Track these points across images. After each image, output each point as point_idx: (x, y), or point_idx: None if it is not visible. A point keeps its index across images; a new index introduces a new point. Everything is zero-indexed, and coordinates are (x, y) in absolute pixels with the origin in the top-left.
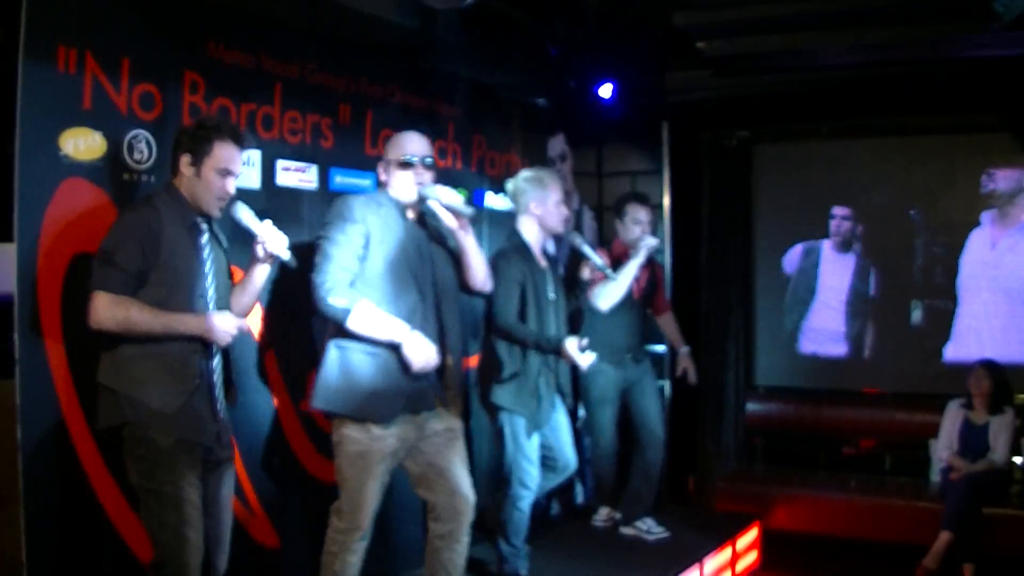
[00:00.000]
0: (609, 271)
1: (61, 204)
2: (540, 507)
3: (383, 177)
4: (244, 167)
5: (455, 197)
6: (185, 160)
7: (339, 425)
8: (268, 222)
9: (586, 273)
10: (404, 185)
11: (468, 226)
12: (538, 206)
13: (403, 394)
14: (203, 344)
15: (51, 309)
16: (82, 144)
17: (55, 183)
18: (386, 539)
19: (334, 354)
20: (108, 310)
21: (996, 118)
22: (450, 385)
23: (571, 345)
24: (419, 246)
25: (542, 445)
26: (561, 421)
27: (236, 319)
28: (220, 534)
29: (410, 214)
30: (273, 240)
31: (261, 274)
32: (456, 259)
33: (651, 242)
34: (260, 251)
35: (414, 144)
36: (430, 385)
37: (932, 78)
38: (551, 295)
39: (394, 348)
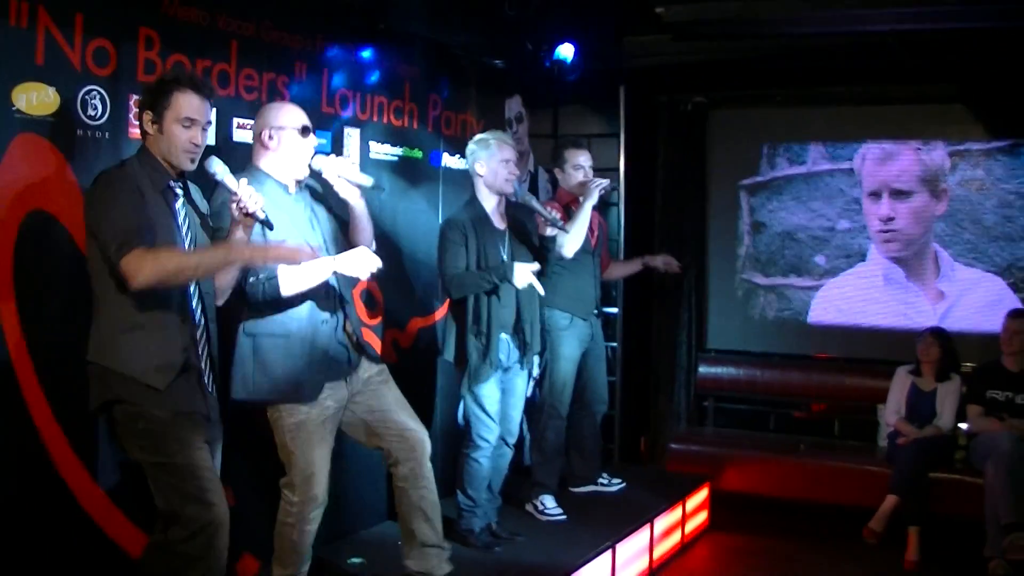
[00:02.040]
0: (561, 224)
1: (13, 160)
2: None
3: (270, 146)
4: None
5: (348, 167)
6: (147, 118)
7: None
8: (244, 180)
9: (545, 230)
10: (300, 153)
11: (362, 197)
12: (482, 166)
13: (320, 370)
14: (186, 318)
15: (3, 269)
16: (35, 99)
17: (7, 139)
18: (341, 497)
19: (246, 343)
20: (140, 261)
21: (951, 89)
22: (355, 343)
23: (520, 268)
24: (308, 217)
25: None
26: (517, 386)
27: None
28: None
29: (292, 187)
30: (249, 198)
31: (241, 238)
32: (339, 219)
33: (602, 183)
34: (236, 211)
35: (302, 113)
36: (344, 348)
37: (888, 48)
38: (504, 256)
39: (303, 325)
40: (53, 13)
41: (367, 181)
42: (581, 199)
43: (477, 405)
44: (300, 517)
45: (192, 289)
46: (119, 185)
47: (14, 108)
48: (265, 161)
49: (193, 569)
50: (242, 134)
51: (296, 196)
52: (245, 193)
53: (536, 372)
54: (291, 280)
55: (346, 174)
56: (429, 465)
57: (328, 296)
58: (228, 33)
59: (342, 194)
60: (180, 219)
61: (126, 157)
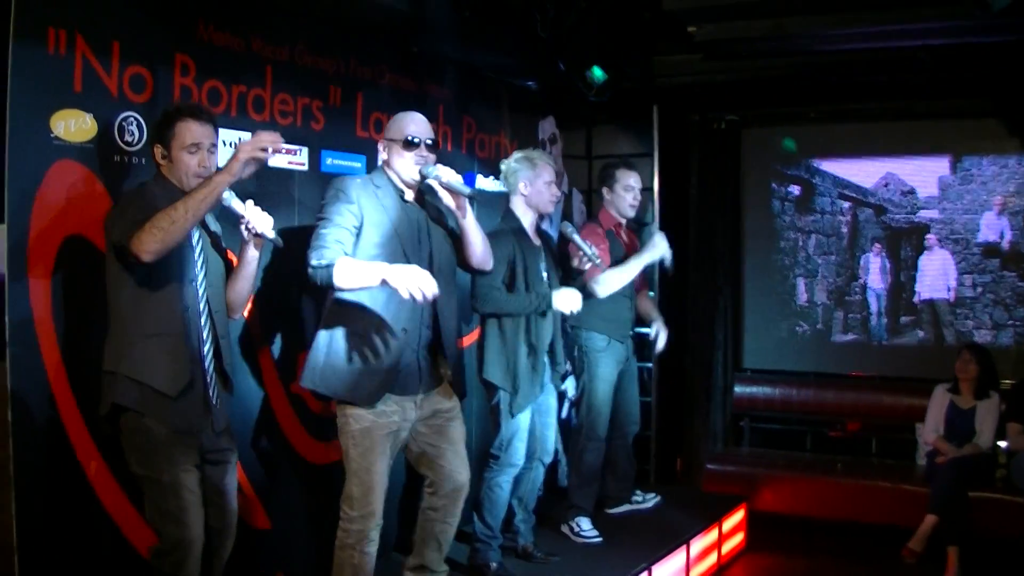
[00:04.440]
0: (599, 260)
1: (52, 186)
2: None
3: (384, 156)
4: (225, 146)
5: (455, 176)
6: (158, 151)
7: (342, 407)
8: (251, 202)
9: (576, 262)
10: (406, 165)
11: (467, 205)
12: (527, 186)
13: (386, 377)
14: (191, 333)
15: (41, 292)
16: (73, 126)
17: (46, 165)
18: None
19: (323, 336)
20: (141, 234)
21: (983, 104)
22: (444, 364)
23: (560, 296)
24: (417, 227)
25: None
26: (550, 405)
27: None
28: (226, 522)
29: (408, 195)
30: (257, 220)
31: (253, 257)
32: (455, 238)
33: (666, 252)
34: (245, 232)
35: (417, 125)
36: (419, 366)
37: (920, 64)
38: (543, 274)
39: (378, 329)
40: (90, 41)
41: (466, 190)
42: (639, 252)
43: (513, 433)
44: (360, 536)
45: (201, 306)
46: (134, 199)
47: (52, 135)
48: (388, 166)
49: None
50: (277, 158)
51: (411, 205)
52: (253, 214)
53: (573, 394)
54: (344, 272)
55: (445, 179)
56: (461, 505)
57: (413, 309)
58: (263, 58)
59: (444, 201)
60: (194, 240)
61: (144, 180)
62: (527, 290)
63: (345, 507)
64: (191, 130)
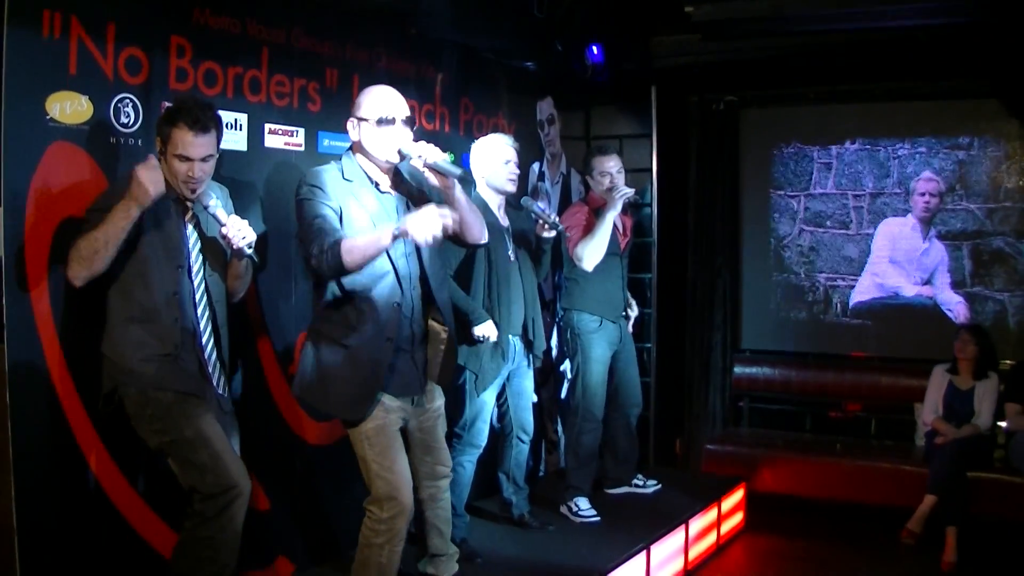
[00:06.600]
0: (560, 225)
1: (48, 168)
2: (529, 469)
3: (354, 137)
4: (231, 131)
5: (440, 155)
6: (158, 144)
7: None
8: (235, 216)
9: (543, 232)
10: (381, 145)
11: (455, 185)
12: (484, 167)
13: (372, 387)
14: (178, 318)
15: (39, 273)
16: (68, 108)
17: (42, 147)
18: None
19: (308, 349)
20: (68, 263)
21: (983, 84)
22: (434, 360)
23: (479, 328)
24: (396, 209)
25: (500, 411)
26: (525, 387)
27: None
28: None
29: (384, 184)
30: (236, 234)
31: (237, 264)
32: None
33: (626, 192)
34: (223, 242)
35: (391, 101)
36: (415, 366)
37: (919, 44)
38: (511, 255)
39: (364, 342)
40: (86, 23)
41: (455, 171)
42: (607, 205)
43: (476, 413)
44: (391, 535)
45: (198, 296)
46: (114, 192)
47: (48, 117)
48: (359, 148)
49: (204, 528)
50: (273, 140)
51: (388, 194)
52: (233, 227)
53: (569, 375)
54: (350, 249)
55: (431, 160)
56: (447, 488)
57: (398, 318)
58: (259, 40)
59: (431, 182)
60: (188, 231)
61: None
62: (498, 275)
63: (373, 509)
64: (183, 140)
